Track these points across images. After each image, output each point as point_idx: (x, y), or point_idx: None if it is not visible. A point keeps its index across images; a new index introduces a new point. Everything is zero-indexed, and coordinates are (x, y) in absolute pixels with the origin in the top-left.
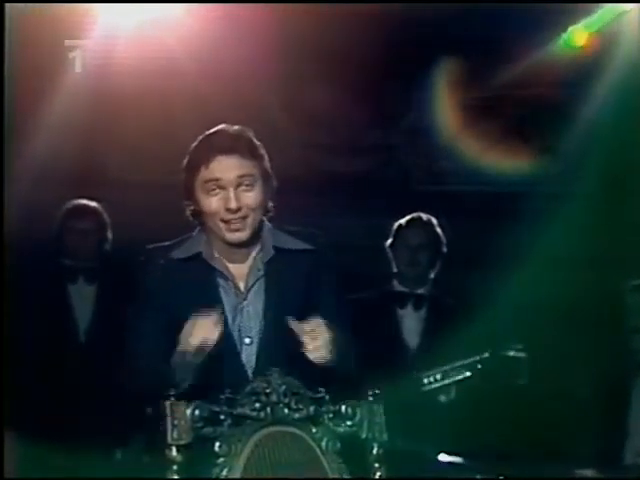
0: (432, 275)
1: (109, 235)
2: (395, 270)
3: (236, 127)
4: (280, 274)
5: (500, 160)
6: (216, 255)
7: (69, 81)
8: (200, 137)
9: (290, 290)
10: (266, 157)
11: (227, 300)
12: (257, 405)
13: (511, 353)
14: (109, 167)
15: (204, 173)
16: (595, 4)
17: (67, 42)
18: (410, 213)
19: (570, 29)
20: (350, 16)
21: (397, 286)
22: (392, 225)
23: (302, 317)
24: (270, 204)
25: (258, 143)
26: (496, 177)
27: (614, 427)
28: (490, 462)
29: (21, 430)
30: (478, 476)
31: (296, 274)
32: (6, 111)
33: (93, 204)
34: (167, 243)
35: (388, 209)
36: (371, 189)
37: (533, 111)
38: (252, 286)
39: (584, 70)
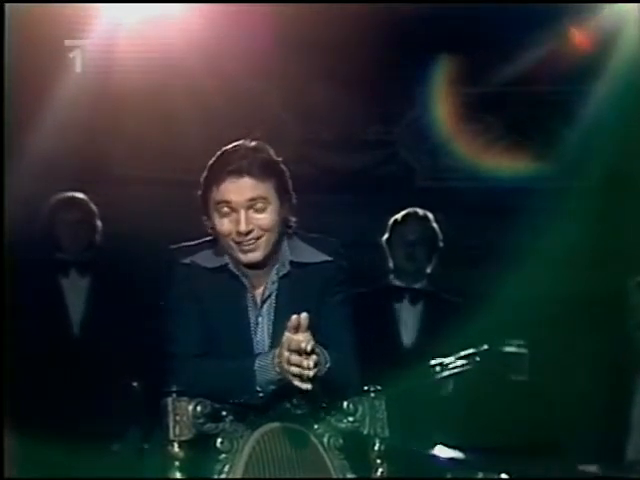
0: (429, 270)
1: (98, 226)
2: (391, 265)
3: (252, 144)
4: (293, 290)
5: (502, 156)
6: (242, 269)
7: (69, 81)
8: (217, 154)
9: (301, 307)
10: (285, 174)
11: (250, 312)
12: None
13: (512, 349)
14: (109, 165)
15: (215, 194)
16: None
17: (67, 42)
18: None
19: (570, 27)
20: (351, 13)
21: (394, 281)
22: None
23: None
24: (292, 220)
25: (275, 160)
26: (498, 173)
27: (617, 423)
28: (492, 459)
29: (17, 426)
30: (480, 473)
31: (309, 289)
32: (6, 111)
33: (80, 195)
34: (190, 244)
35: (391, 205)
36: (374, 185)
37: (535, 108)
38: (266, 300)
39: (584, 67)
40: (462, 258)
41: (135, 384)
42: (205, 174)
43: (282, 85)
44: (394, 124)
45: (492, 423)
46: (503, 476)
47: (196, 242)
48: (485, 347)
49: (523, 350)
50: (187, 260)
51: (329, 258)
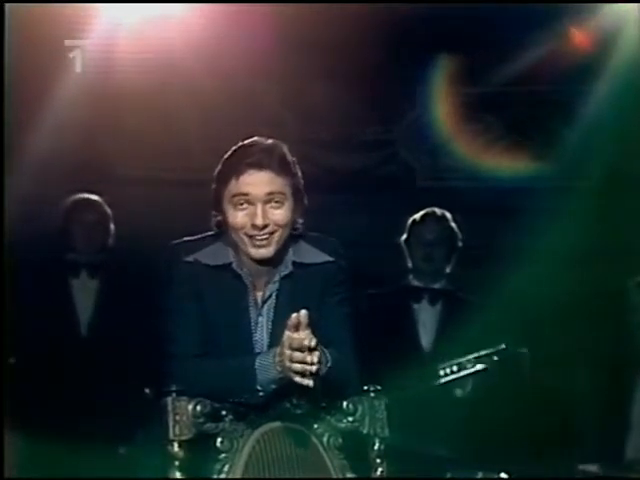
0: (448, 270)
1: (112, 228)
2: (410, 265)
3: (270, 141)
4: (293, 290)
5: (502, 156)
6: (245, 268)
7: (69, 81)
8: (233, 148)
9: (301, 307)
10: (299, 174)
11: (251, 312)
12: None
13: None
14: (109, 164)
15: (233, 186)
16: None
17: (67, 42)
18: (414, 209)
19: (570, 27)
20: (351, 13)
21: (412, 281)
22: (396, 221)
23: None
24: (299, 222)
25: (291, 159)
26: (499, 173)
27: (617, 423)
28: (492, 458)
29: (22, 426)
30: (480, 473)
31: (310, 290)
32: (6, 111)
33: (96, 197)
34: (192, 239)
35: (391, 205)
36: (374, 185)
37: (535, 108)
38: (267, 300)
39: (584, 67)
40: (463, 258)
41: (146, 389)
42: (220, 168)
43: (282, 85)
44: (394, 124)
45: (491, 423)
46: (503, 476)
47: (198, 237)
48: (503, 346)
49: (523, 350)
50: (190, 258)
51: (330, 258)
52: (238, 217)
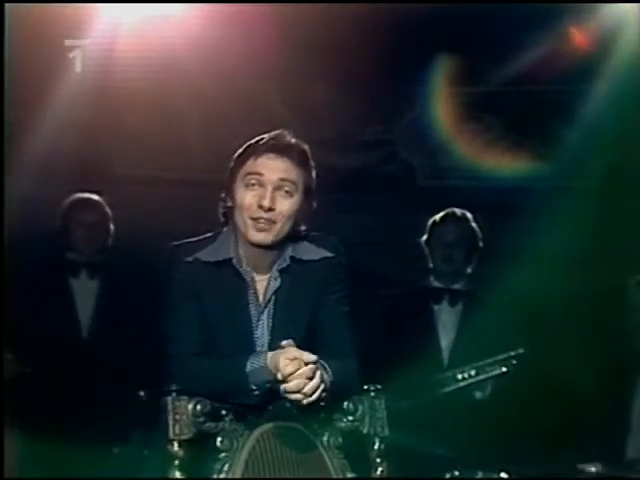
0: (469, 270)
1: (112, 228)
2: (431, 266)
3: (294, 138)
4: (293, 286)
5: (502, 156)
6: (244, 264)
7: (69, 81)
8: (258, 137)
9: (301, 303)
10: (314, 176)
11: (252, 310)
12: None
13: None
14: (109, 164)
15: (250, 165)
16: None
17: (67, 42)
18: (414, 209)
19: (570, 27)
20: (351, 13)
21: (433, 282)
22: (396, 220)
23: (309, 333)
24: (303, 227)
25: (312, 162)
26: (499, 173)
27: (617, 423)
28: (492, 458)
29: (22, 426)
30: (479, 473)
31: (309, 286)
32: (6, 111)
33: (96, 197)
34: (192, 240)
35: (392, 205)
36: (374, 185)
37: (535, 108)
38: (266, 297)
39: (584, 67)
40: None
41: (140, 392)
42: (241, 151)
43: (282, 85)
44: (394, 124)
45: (492, 423)
46: (503, 475)
47: (198, 238)
48: (521, 350)
49: (520, 350)
50: (190, 258)
51: (329, 254)
52: (247, 197)
